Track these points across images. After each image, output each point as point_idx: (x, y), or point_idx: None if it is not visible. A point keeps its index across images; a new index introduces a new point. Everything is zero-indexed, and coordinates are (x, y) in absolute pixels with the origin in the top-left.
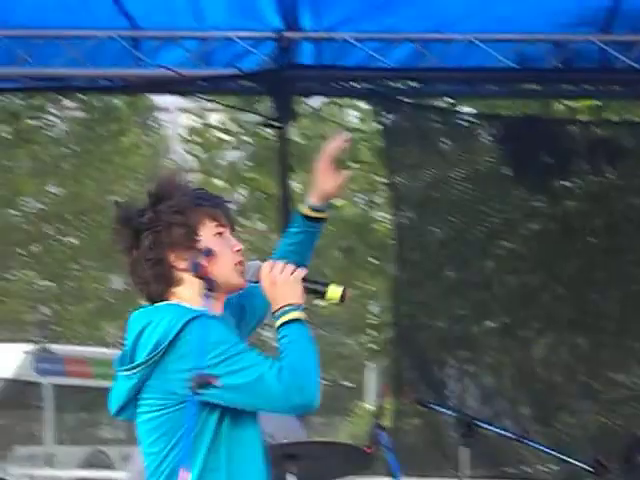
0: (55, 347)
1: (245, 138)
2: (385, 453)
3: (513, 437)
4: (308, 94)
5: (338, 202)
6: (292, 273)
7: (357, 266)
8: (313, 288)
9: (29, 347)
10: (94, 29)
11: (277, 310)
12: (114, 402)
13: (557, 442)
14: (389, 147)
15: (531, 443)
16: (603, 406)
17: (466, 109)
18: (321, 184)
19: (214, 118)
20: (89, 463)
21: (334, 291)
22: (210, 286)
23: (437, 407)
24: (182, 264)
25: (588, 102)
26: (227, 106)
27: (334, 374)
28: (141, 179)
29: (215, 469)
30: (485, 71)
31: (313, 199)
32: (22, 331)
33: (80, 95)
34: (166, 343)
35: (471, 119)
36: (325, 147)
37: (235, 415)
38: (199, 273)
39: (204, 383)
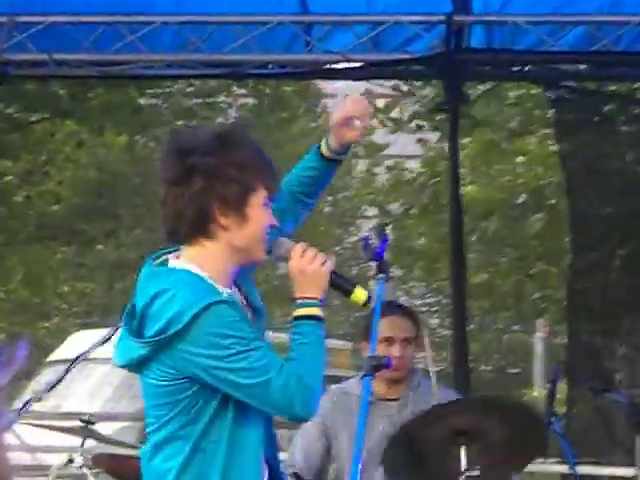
0: None
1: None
2: (558, 439)
3: None
4: (478, 78)
5: None
6: (322, 264)
7: None
8: (339, 285)
9: None
10: (265, 14)
11: (299, 299)
12: (121, 357)
13: None
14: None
15: None
16: None
17: None
18: (340, 134)
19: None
20: None
21: (360, 293)
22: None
23: (611, 395)
24: (223, 220)
25: None
26: (398, 91)
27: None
28: None
29: (211, 453)
30: None
31: (333, 143)
32: None
33: (250, 82)
34: (179, 326)
35: None
36: (343, 104)
37: (241, 410)
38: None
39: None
